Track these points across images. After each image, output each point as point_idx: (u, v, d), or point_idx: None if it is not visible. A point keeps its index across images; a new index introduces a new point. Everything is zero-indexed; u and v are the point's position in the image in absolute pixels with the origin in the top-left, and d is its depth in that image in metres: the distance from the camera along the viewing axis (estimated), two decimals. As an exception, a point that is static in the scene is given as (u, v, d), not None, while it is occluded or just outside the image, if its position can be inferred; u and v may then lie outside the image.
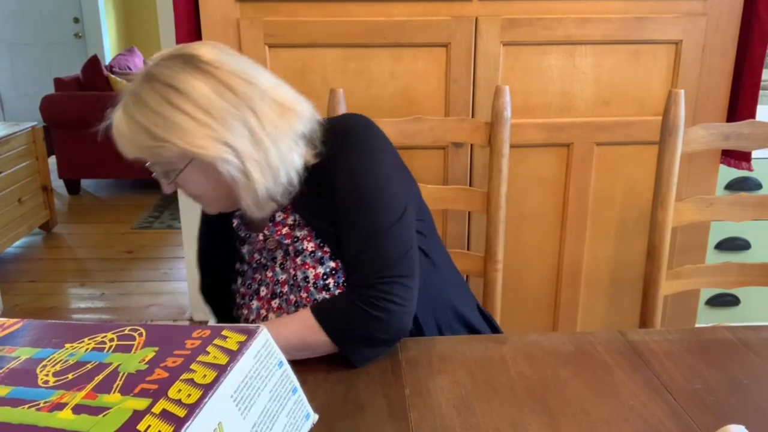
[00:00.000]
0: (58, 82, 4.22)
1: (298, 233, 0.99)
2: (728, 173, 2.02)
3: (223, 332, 0.63)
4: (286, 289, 1.01)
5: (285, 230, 1.00)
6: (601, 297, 1.88)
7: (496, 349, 0.95)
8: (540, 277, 1.85)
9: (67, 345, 0.65)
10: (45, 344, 0.66)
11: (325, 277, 0.96)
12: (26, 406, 0.56)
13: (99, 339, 0.65)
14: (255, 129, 0.90)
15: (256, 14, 1.61)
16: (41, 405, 0.56)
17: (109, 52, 5.63)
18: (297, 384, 0.67)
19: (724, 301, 2.20)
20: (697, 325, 1.93)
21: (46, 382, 0.59)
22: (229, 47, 0.97)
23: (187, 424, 0.51)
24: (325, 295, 0.96)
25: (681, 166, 1.27)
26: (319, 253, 0.97)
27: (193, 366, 0.58)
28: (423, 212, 1.08)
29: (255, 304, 1.04)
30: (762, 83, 1.70)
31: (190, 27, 1.62)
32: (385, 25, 1.62)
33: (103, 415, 0.53)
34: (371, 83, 1.67)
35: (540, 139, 1.72)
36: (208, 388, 0.55)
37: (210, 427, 0.53)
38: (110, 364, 0.60)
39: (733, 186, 2.08)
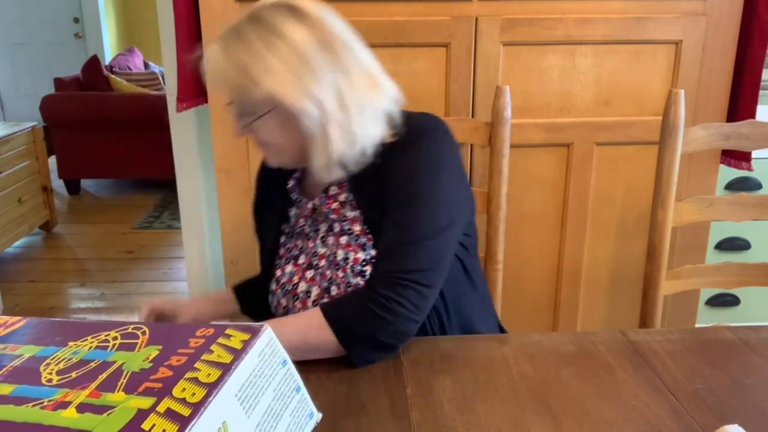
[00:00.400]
0: (58, 82, 4.21)
1: (348, 213, 0.99)
2: (728, 173, 2.02)
3: (227, 331, 0.63)
4: (323, 263, 1.00)
5: (335, 205, 1.00)
6: (601, 297, 1.88)
7: (498, 349, 0.95)
8: (540, 277, 1.85)
9: (71, 343, 0.65)
10: (48, 342, 0.66)
11: (364, 263, 0.96)
12: (30, 404, 0.56)
13: (102, 337, 0.65)
14: (344, 91, 0.91)
15: (256, 14, 1.61)
16: (45, 403, 0.56)
17: (109, 52, 5.63)
18: (300, 383, 0.67)
19: (724, 301, 2.20)
20: (697, 325, 1.93)
21: (50, 380, 0.59)
22: (333, 10, 0.97)
23: (192, 422, 0.51)
24: (359, 280, 0.96)
25: (681, 166, 1.27)
26: (364, 239, 0.97)
27: (197, 365, 0.58)
28: (471, 229, 1.07)
29: (289, 268, 1.04)
30: (762, 83, 1.71)
31: (190, 27, 1.62)
32: (385, 25, 1.62)
33: (108, 414, 0.53)
34: (372, 83, 1.66)
35: (540, 139, 1.72)
36: (212, 387, 0.55)
37: (215, 426, 0.53)
38: (114, 362, 0.60)
39: (733, 186, 2.08)
